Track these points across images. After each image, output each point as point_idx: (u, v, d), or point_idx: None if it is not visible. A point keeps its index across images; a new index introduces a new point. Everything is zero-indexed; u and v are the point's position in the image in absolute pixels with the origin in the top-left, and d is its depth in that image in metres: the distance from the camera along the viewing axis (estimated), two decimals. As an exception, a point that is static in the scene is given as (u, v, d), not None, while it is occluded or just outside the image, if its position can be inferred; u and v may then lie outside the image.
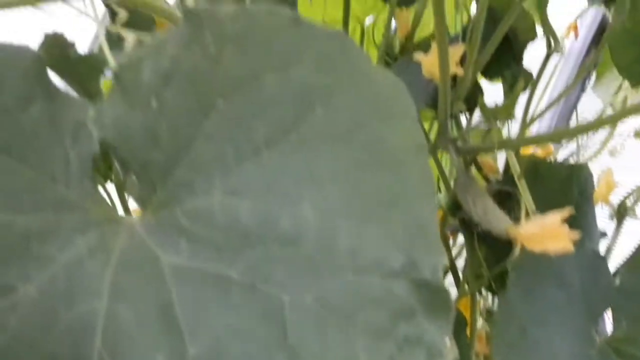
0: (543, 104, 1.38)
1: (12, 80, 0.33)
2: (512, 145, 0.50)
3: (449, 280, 1.02)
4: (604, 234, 0.86)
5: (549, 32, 1.07)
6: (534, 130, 1.40)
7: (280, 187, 0.32)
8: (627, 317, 0.60)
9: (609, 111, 1.12)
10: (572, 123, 1.44)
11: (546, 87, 1.22)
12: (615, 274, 0.76)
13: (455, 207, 0.84)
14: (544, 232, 0.43)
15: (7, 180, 0.33)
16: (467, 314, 0.92)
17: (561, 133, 0.46)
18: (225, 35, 0.32)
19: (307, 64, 0.32)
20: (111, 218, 0.36)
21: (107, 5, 0.41)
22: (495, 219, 0.46)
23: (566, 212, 0.43)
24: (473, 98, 0.76)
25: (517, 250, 0.43)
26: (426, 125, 0.95)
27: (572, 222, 0.80)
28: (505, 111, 0.49)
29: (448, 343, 0.29)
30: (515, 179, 0.54)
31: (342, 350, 0.29)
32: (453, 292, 1.01)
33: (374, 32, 0.99)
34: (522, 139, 0.53)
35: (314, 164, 0.32)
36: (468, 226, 0.79)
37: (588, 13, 1.05)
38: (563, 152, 1.22)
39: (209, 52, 0.32)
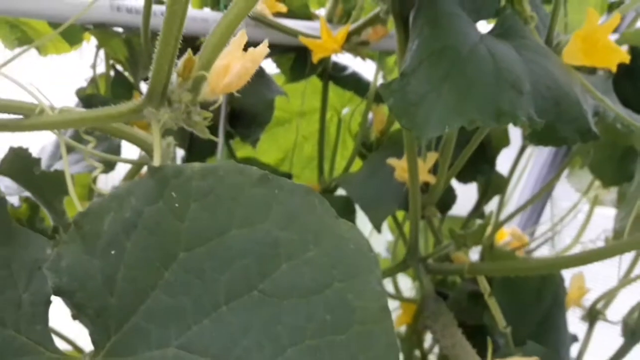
0: (517, 193, 1.40)
1: (-33, 225, 0.32)
2: (483, 270, 0.50)
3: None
4: (575, 339, 0.86)
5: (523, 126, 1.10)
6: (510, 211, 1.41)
7: (240, 349, 0.31)
8: None
9: (584, 204, 1.14)
10: (547, 211, 1.46)
11: (520, 176, 1.24)
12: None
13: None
14: (511, 379, 0.42)
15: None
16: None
17: (511, 267, 0.45)
18: (191, 192, 0.31)
19: (273, 220, 0.32)
20: (63, 363, 0.34)
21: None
22: (463, 355, 0.45)
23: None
24: (446, 202, 0.76)
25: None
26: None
27: (544, 330, 0.80)
28: (474, 238, 0.49)
29: None
30: (485, 297, 0.53)
31: None
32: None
33: (350, 122, 1.00)
34: (492, 267, 0.52)
35: (276, 325, 0.31)
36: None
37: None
38: (537, 242, 1.23)
39: (174, 208, 0.31)
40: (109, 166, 0.56)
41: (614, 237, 0.81)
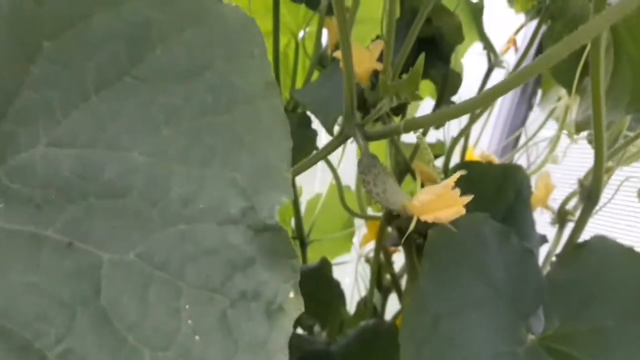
0: (491, 120, 1.37)
1: None
2: (420, 124, 0.47)
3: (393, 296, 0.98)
4: (544, 239, 0.83)
5: (488, 46, 1.07)
6: (484, 145, 1.38)
7: (110, 134, 0.28)
8: (558, 312, 0.56)
9: (552, 122, 1.11)
10: (521, 139, 1.44)
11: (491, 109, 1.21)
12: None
13: (390, 216, 0.80)
14: (437, 199, 0.39)
15: None
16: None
17: (445, 114, 0.42)
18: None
19: (141, -1, 0.29)
20: None
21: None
22: (393, 196, 0.43)
23: (456, 175, 0.40)
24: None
25: (413, 224, 0.39)
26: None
27: (507, 225, 0.77)
28: (408, 86, 0.46)
29: (292, 295, 0.25)
30: (408, 161, 0.50)
31: (164, 309, 0.24)
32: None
33: (306, 44, 0.97)
34: (430, 119, 0.50)
35: (150, 108, 0.28)
36: (407, 239, 0.75)
37: (529, 27, 1.05)
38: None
39: (29, -12, 0.28)
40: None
41: (575, 130, 0.79)
